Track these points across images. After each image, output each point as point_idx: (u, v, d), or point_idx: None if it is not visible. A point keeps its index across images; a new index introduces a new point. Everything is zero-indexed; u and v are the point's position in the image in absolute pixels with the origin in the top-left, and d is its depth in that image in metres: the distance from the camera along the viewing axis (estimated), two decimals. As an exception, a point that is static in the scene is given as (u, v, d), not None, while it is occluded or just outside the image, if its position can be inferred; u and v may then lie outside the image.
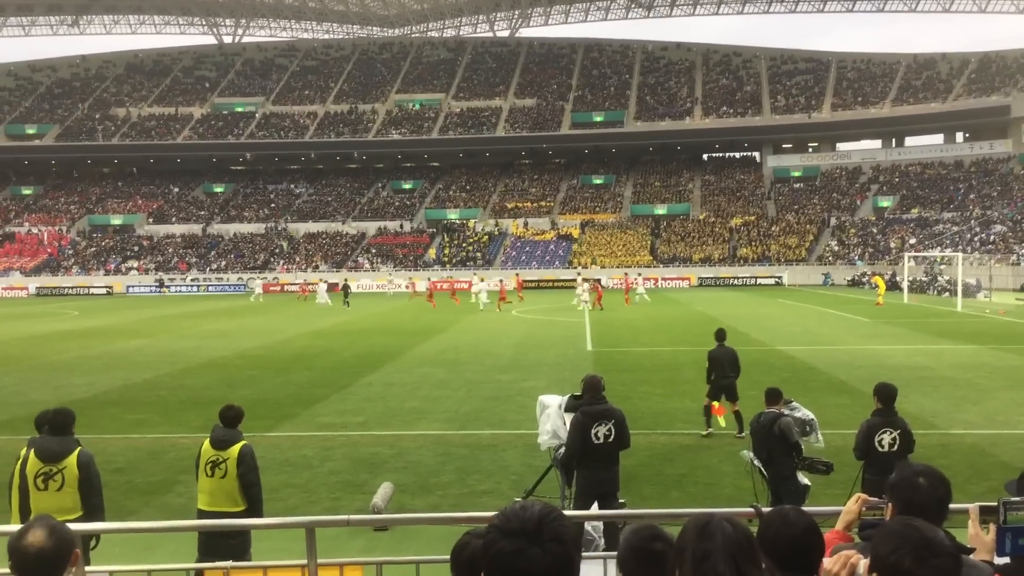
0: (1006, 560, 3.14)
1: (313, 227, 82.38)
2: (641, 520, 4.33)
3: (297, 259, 76.75)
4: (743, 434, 13.51)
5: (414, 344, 27.99)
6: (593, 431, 8.35)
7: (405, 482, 11.36)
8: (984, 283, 48.97)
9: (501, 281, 51.97)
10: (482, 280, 48.55)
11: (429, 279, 59.59)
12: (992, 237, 62.82)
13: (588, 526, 8.28)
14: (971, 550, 3.16)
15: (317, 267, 74.86)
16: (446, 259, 75.19)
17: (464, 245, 77.54)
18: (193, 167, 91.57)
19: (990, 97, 76.57)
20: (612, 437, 8.39)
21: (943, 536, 2.44)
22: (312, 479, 11.71)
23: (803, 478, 8.89)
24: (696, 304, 45.27)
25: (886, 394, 8.50)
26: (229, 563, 6.00)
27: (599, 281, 49.14)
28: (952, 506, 4.61)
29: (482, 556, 2.00)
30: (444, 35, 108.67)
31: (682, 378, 19.88)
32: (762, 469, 8.98)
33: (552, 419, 9.49)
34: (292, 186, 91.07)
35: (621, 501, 9.44)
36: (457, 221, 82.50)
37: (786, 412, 9.10)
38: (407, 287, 61.38)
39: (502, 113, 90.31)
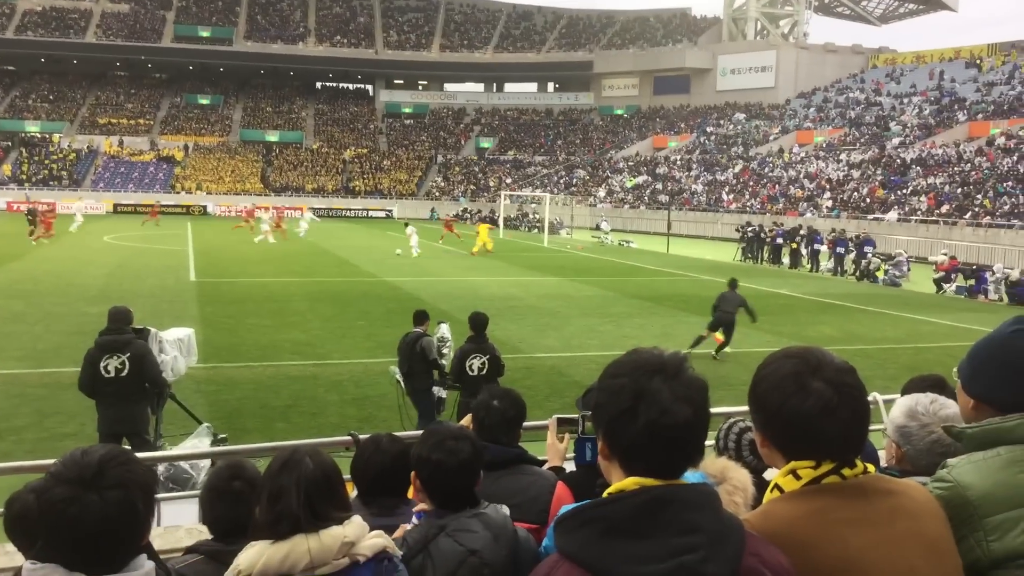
0: (572, 468, 3.52)
1: None
2: (238, 455, 4.19)
3: None
4: None
5: (-19, 273, 24.42)
6: (103, 364, 7.76)
7: (-33, 430, 9.98)
8: (566, 221, 54.68)
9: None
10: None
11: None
12: (574, 180, 70.17)
13: (185, 464, 7.90)
14: (541, 462, 3.50)
15: None
16: (24, 177, 66.24)
17: (47, 162, 68.84)
18: None
19: (577, 52, 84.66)
20: (125, 372, 7.81)
21: (468, 432, 2.82)
22: None
23: (440, 392, 9.62)
24: (308, 236, 44.93)
25: (478, 322, 9.25)
26: None
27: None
28: (533, 423, 5.07)
29: (36, 506, 1.81)
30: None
31: (291, 309, 19.68)
32: (402, 382, 9.68)
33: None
34: None
35: (222, 436, 9.15)
36: (38, 134, 72.88)
37: (432, 333, 9.87)
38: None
39: (92, 17, 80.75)
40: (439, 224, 62.06)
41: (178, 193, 67.36)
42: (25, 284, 22.57)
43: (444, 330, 10.11)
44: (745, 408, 2.00)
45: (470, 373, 8.95)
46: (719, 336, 15.78)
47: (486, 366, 8.98)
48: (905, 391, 3.24)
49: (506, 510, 2.72)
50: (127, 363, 7.79)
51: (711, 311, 16.04)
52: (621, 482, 1.63)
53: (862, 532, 1.76)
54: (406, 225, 38.80)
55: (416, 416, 9.81)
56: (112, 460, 1.81)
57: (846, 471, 1.80)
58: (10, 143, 70.97)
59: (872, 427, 1.97)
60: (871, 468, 1.85)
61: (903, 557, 1.77)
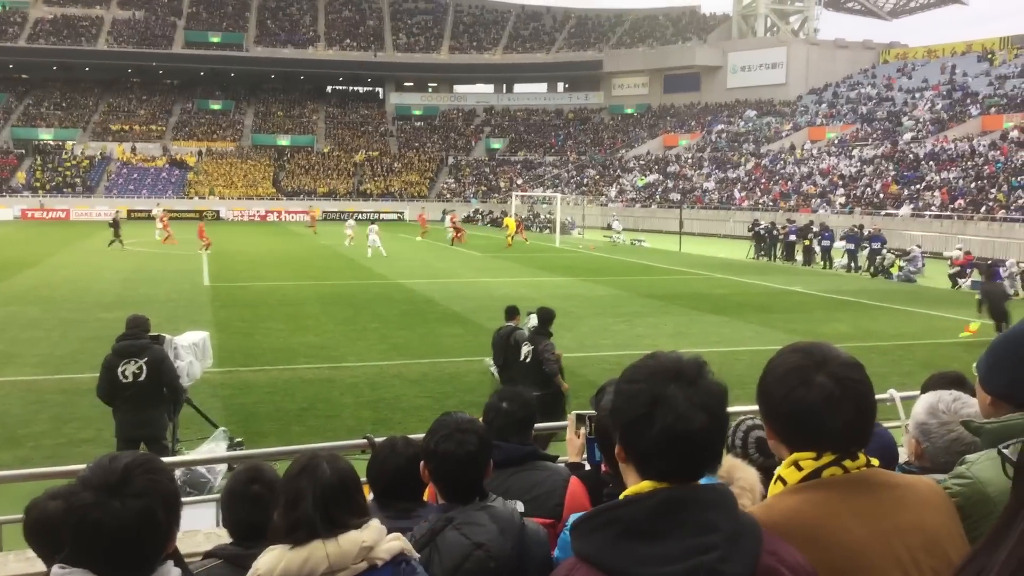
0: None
1: None
2: (255, 459, 4.21)
3: None
4: None
5: (-3, 281, 24.60)
6: (121, 369, 7.79)
7: (-13, 436, 10.05)
8: (578, 221, 54.64)
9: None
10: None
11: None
12: (585, 180, 70.07)
13: (202, 468, 7.94)
14: (553, 458, 3.51)
15: None
16: (38, 184, 66.74)
17: (60, 169, 69.34)
18: None
19: (587, 52, 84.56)
20: (143, 377, 7.82)
21: (476, 425, 2.79)
22: None
23: None
24: (321, 238, 45.09)
25: (540, 316, 9.72)
26: None
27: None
28: (547, 424, 5.05)
29: (63, 511, 1.84)
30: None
31: (305, 313, 19.73)
32: (497, 374, 10.26)
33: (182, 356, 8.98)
34: None
35: (238, 440, 9.19)
36: (51, 142, 73.39)
37: (520, 326, 10.15)
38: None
39: (104, 24, 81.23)
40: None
41: (191, 199, 67.70)
42: (42, 290, 22.73)
43: (534, 321, 10.35)
44: (756, 407, 2.00)
45: (518, 359, 9.42)
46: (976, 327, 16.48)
47: (529, 356, 9.30)
48: (925, 388, 3.23)
49: (520, 506, 2.72)
50: (144, 368, 7.82)
51: (977, 307, 17.13)
52: (637, 485, 1.64)
53: (865, 524, 1.77)
54: (370, 223, 41.67)
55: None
56: (138, 468, 1.82)
57: (848, 463, 1.81)
58: (24, 151, 71.51)
59: (893, 424, 1.98)
60: (875, 461, 1.87)
61: (906, 549, 1.78)
